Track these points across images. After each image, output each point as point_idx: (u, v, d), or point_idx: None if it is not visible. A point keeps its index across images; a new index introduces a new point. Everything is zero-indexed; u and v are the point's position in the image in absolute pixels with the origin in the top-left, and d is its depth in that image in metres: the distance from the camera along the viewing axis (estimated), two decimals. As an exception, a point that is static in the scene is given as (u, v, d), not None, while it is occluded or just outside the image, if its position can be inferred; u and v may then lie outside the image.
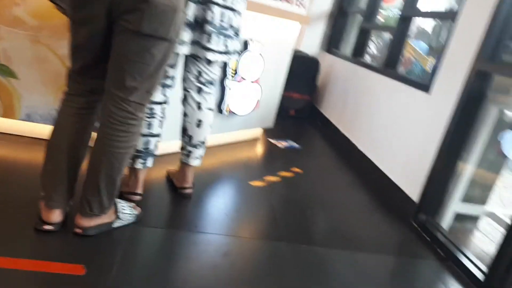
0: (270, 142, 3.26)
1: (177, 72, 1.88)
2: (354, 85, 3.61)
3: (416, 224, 2.31)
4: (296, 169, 2.78)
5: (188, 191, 2.05)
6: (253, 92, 2.82)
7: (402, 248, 2.18)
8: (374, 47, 5.06)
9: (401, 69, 3.54)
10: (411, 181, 2.46)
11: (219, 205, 2.10)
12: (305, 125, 4.15)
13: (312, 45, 4.53)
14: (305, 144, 3.53)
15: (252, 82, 2.77)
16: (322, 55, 4.52)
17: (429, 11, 2.98)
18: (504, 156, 2.42)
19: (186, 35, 1.71)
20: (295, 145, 3.33)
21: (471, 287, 1.81)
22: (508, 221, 1.74)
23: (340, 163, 3.27)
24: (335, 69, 4.18)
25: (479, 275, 1.82)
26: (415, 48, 3.27)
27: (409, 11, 2.90)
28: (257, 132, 3.23)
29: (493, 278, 1.74)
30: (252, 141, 3.17)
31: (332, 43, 4.45)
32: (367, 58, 3.97)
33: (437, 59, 2.43)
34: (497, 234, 2.34)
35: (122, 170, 1.50)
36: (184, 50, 1.75)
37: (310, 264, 1.73)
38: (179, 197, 2.04)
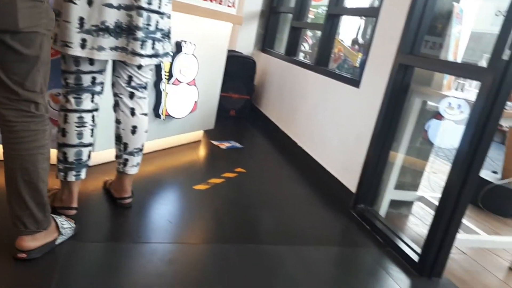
0: (212, 144, 3.24)
1: (106, 78, 1.81)
2: (290, 83, 3.69)
3: (356, 213, 2.40)
4: (240, 169, 2.78)
5: (128, 201, 1.98)
6: (190, 94, 2.79)
7: (344, 239, 2.26)
8: (308, 45, 5.21)
9: (333, 66, 3.68)
10: (348, 173, 2.56)
11: (162, 212, 2.04)
12: (247, 125, 4.18)
13: (247, 44, 4.57)
14: (247, 143, 3.55)
15: (188, 84, 2.73)
16: (258, 54, 4.57)
17: (354, 8, 3.11)
18: (430, 143, 2.60)
19: (108, 41, 1.64)
20: (238, 145, 3.34)
21: (408, 269, 1.92)
22: (437, 204, 1.86)
23: (282, 160, 3.32)
24: (271, 68, 4.25)
25: (415, 257, 1.93)
26: (344, 44, 3.41)
27: (336, 9, 3.01)
28: (198, 134, 3.20)
29: (427, 258, 1.86)
30: (194, 144, 3.13)
31: (266, 42, 4.51)
32: (302, 56, 4.08)
33: (364, 55, 2.55)
34: (429, 216, 2.51)
35: (43, 175, 1.41)
36: (105, 56, 1.66)
37: (257, 264, 1.74)
38: (119, 208, 1.96)
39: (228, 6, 2.84)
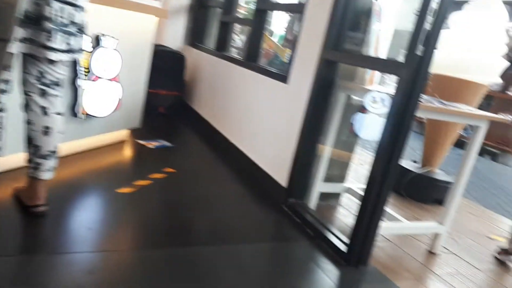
0: (139, 144, 3.09)
1: (14, 75, 1.63)
2: (221, 79, 3.64)
3: (287, 208, 2.42)
4: (169, 169, 2.67)
5: (42, 209, 1.80)
6: (112, 91, 2.62)
7: (276, 234, 2.27)
8: (240, 40, 5.18)
9: (264, 61, 3.68)
10: (279, 168, 2.57)
11: (81, 219, 1.89)
12: (177, 123, 4.05)
13: (175, 39, 4.43)
14: (178, 142, 3.43)
15: (110, 80, 2.56)
16: (187, 49, 4.45)
17: (281, 3, 3.13)
18: (356, 136, 2.69)
19: (17, 32, 1.49)
20: (167, 144, 3.21)
21: (337, 259, 1.96)
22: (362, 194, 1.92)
23: (215, 157, 3.27)
24: (201, 63, 4.16)
25: (343, 247, 1.98)
26: (273, 40, 3.42)
27: (264, 4, 3.01)
28: (123, 134, 3.02)
29: (354, 248, 1.91)
30: (118, 145, 2.96)
31: (195, 37, 4.41)
32: (234, 52, 4.03)
33: (292, 50, 2.57)
34: (356, 207, 2.60)
35: None
36: (16, 48, 1.52)
37: (187, 268, 1.67)
38: (32, 217, 1.78)
39: (152, -2, 2.71)
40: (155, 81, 3.91)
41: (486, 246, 2.50)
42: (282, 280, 1.76)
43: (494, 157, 5.89)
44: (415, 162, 3.30)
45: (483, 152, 5.99)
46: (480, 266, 2.20)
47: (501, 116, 2.28)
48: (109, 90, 2.58)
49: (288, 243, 2.11)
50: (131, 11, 2.53)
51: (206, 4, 4.29)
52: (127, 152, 2.92)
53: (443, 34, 3.07)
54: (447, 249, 2.33)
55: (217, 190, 2.61)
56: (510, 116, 5.90)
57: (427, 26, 1.53)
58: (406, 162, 3.26)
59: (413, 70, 1.59)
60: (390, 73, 1.84)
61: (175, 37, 4.42)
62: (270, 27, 4.00)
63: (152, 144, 3.12)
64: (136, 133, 3.20)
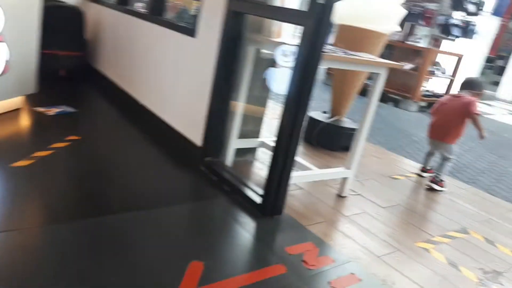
0: (37, 111, 2.80)
1: None
2: (125, 36, 3.39)
3: (204, 167, 2.40)
4: (73, 137, 2.48)
5: None
6: (-4, 53, 2.30)
7: (194, 194, 2.25)
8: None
9: (172, 15, 3.48)
10: (192, 127, 2.51)
11: (-31, 199, 1.69)
12: (81, 86, 3.74)
13: (70, -8, 3.98)
14: (82, 107, 3.18)
15: (-10, 41, 2.24)
16: (86, 4, 4.05)
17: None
18: (270, 90, 2.70)
19: None
20: (70, 109, 2.96)
21: (253, 212, 2.01)
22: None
23: (124, 120, 3.10)
24: (103, 19, 3.82)
25: (258, 200, 2.03)
26: (179, -8, 3.23)
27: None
28: (17, 101, 2.72)
29: (268, 199, 1.97)
30: (12, 114, 2.66)
31: (94, -10, 4.01)
32: (140, 6, 3.74)
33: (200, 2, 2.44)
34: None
35: None
36: None
37: (102, 238, 1.60)
38: None
39: None
40: (51, 40, 3.52)
41: (389, 186, 2.74)
42: (201, 239, 1.77)
43: (396, 103, 6.39)
44: (325, 112, 3.44)
45: (387, 99, 6.45)
46: (384, 204, 2.41)
47: (397, 63, 2.42)
48: (-10, 52, 2.27)
49: (206, 202, 2.11)
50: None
51: (102, -48, 3.88)
52: (23, 121, 2.64)
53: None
54: (354, 191, 2.51)
55: (129, 155, 2.49)
56: (409, 65, 6.35)
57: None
58: (316, 113, 3.38)
59: (316, 19, 1.59)
60: (295, 23, 1.83)
61: (69, -10, 3.98)
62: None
63: (52, 111, 2.86)
64: (32, 100, 2.90)
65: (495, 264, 1.95)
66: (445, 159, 2.85)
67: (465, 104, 2.73)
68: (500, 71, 11.24)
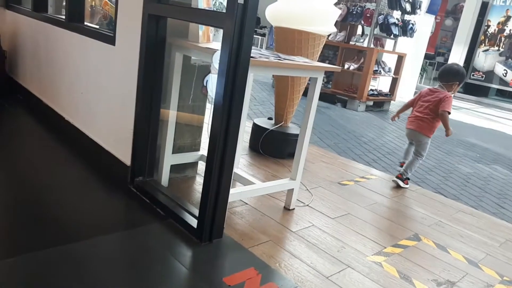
0: None
1: None
2: (44, 45, 3.05)
3: (134, 188, 2.15)
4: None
5: None
6: None
7: (122, 221, 1.99)
8: None
9: (99, 22, 3.18)
10: (120, 144, 2.25)
11: None
12: (2, 103, 3.34)
13: (-20, -1, 3.57)
14: (3, 126, 2.82)
15: None
16: (1, 12, 3.64)
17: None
18: (207, 98, 2.48)
19: None
20: (-19, 130, 2.60)
21: (189, 237, 1.79)
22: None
23: (48, 139, 2.77)
24: (21, 28, 3.44)
25: (194, 223, 1.81)
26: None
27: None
28: None
29: (204, 221, 1.75)
30: None
31: (9, -3, 3.61)
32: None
33: (115, 6, 2.19)
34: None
35: None
36: None
37: (22, 279, 1.34)
38: None
39: None
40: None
41: (337, 193, 2.61)
42: (129, 275, 1.53)
43: (344, 104, 6.39)
44: (270, 119, 3.28)
45: (335, 100, 6.44)
46: (333, 214, 2.27)
47: (333, 66, 2.31)
48: None
49: (137, 230, 1.86)
50: None
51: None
52: None
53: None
54: (302, 202, 2.35)
55: (54, 179, 2.20)
56: (353, 65, 6.37)
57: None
58: (261, 120, 3.21)
59: (236, 20, 1.40)
60: (215, 25, 1.64)
61: (-21, -4, 3.56)
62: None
63: (-43, 134, 2.48)
64: None
65: (448, 274, 1.85)
66: (417, 155, 2.91)
67: (440, 100, 2.78)
68: (440, 67, 11.73)
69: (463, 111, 8.49)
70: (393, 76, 6.69)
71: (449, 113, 2.74)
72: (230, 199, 1.82)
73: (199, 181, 2.49)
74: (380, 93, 6.69)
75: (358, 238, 2.05)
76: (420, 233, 2.22)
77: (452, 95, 2.84)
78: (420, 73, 10.04)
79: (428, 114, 2.82)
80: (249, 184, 2.15)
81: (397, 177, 2.91)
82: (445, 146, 4.81)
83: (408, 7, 6.11)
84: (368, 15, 6.01)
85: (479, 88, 10.68)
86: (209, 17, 1.62)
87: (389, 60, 6.83)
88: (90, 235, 1.73)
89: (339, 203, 2.45)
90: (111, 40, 2.19)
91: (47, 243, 1.61)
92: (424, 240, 2.14)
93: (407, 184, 2.91)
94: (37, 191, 2.03)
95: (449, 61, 10.79)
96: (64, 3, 3.74)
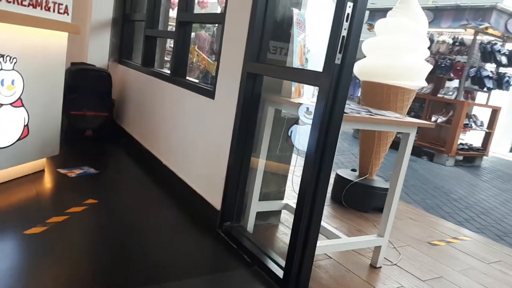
0: (59, 173, 2.78)
1: None
2: (149, 96, 3.41)
3: (223, 233, 2.24)
4: (91, 200, 2.41)
5: None
6: (15, 117, 2.32)
7: (211, 264, 2.07)
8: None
9: (195, 76, 3.51)
10: (212, 190, 2.39)
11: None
12: (106, 146, 3.75)
13: (100, 56, 4.13)
14: (104, 167, 3.15)
15: (12, 105, 2.27)
16: (114, 66, 4.18)
17: (202, 14, 2.97)
18: (294, 147, 2.57)
19: None
20: (92, 170, 2.93)
21: (273, 286, 1.81)
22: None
23: (146, 181, 3.02)
24: (129, 80, 3.91)
25: (279, 273, 1.83)
26: (202, 54, 3.27)
27: (184, 16, 2.84)
28: (39, 164, 2.71)
29: (290, 272, 1.76)
30: (33, 176, 2.63)
31: (122, 53, 4.15)
32: (166, 67, 3.82)
33: (217, 64, 2.42)
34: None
35: None
36: None
37: None
38: None
39: (59, 13, 2.45)
40: (79, 102, 3.63)
41: (428, 253, 2.46)
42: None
43: (430, 157, 6.09)
44: (354, 170, 3.25)
45: (420, 153, 6.18)
46: (424, 277, 2.14)
47: (426, 122, 2.27)
48: (10, 117, 2.28)
49: (223, 274, 1.93)
50: (32, 27, 2.27)
51: (132, 18, 4.05)
52: (43, 184, 2.60)
53: (371, 41, 3.10)
54: (389, 261, 2.26)
55: (147, 220, 2.38)
56: (441, 118, 6.14)
57: (344, 33, 1.43)
58: (344, 171, 3.20)
59: (332, 79, 1.48)
60: (311, 84, 1.74)
61: (99, 53, 4.13)
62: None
63: (73, 173, 2.83)
64: (56, 161, 2.90)
65: None
66: None
67: None
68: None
69: None
70: (486, 130, 6.28)
71: None
72: (316, 252, 1.82)
73: (281, 229, 2.52)
74: (471, 148, 6.28)
75: (452, 306, 1.90)
76: (525, 307, 2.00)
77: None
78: (517, 127, 9.27)
79: None
80: (334, 237, 2.14)
81: None
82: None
83: (504, 59, 5.81)
84: (458, 68, 5.82)
85: None
86: (305, 76, 1.73)
87: (482, 114, 6.45)
88: (180, 277, 1.82)
89: (430, 264, 2.31)
90: (210, 94, 2.40)
91: (140, 282, 1.71)
92: (530, 316, 1.92)
93: None
94: (132, 232, 2.19)
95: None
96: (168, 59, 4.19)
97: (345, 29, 1.42)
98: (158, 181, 2.99)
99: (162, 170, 3.03)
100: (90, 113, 3.75)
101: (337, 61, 1.46)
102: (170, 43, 4.61)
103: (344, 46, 1.44)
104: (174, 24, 2.98)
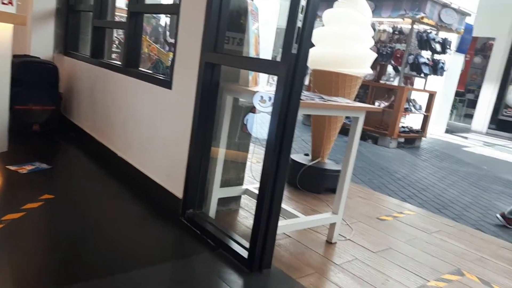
0: (9, 170, 2.67)
1: None
2: (100, 88, 3.35)
3: (186, 220, 2.30)
4: (46, 196, 2.35)
5: None
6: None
7: (176, 251, 2.12)
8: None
9: (147, 67, 3.48)
10: (173, 179, 2.43)
11: None
12: (56, 140, 3.63)
13: (44, 48, 3.95)
14: (57, 162, 3.07)
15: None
16: (60, 59, 4.02)
17: (154, 5, 2.96)
18: (250, 135, 2.66)
19: None
20: (44, 166, 2.84)
21: (239, 267, 1.90)
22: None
23: (102, 175, 2.98)
24: (78, 72, 3.79)
25: (244, 253, 1.93)
26: (154, 44, 3.25)
27: (136, 7, 2.81)
28: (-14, 161, 2.59)
29: (255, 252, 1.87)
30: (-20, 174, 2.53)
31: (68, 45, 4.00)
32: (116, 58, 3.74)
33: (173, 54, 2.44)
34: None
35: None
36: None
37: None
38: None
39: (3, 3, 2.35)
40: (24, 96, 3.47)
41: (377, 228, 2.67)
42: (183, 302, 1.64)
43: (375, 140, 6.46)
44: (306, 155, 3.41)
45: (365, 136, 6.53)
46: (374, 249, 2.34)
47: (374, 106, 2.44)
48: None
49: (189, 259, 1.99)
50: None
51: (77, 8, 3.91)
52: (-8, 182, 2.50)
53: (319, 31, 3.25)
54: (343, 236, 2.43)
55: (106, 212, 2.37)
56: (384, 102, 6.50)
57: (299, 24, 1.53)
58: (298, 156, 3.35)
59: (289, 68, 1.58)
60: (269, 73, 1.83)
61: (43, 45, 3.95)
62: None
63: (24, 169, 2.73)
64: (4, 158, 2.78)
65: (494, 308, 1.87)
66: None
67: None
68: (470, 104, 11.69)
69: (497, 148, 8.36)
70: (424, 113, 6.76)
71: None
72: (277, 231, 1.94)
73: (242, 214, 2.62)
74: (411, 130, 6.74)
75: (400, 272, 2.11)
76: (462, 268, 2.25)
77: None
78: (451, 110, 10.04)
79: None
80: (293, 217, 2.27)
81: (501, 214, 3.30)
82: (482, 183, 4.77)
83: (438, 47, 6.27)
84: (398, 55, 6.19)
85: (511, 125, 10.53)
86: (264, 66, 1.81)
87: (420, 98, 6.92)
88: (144, 265, 1.84)
89: (379, 237, 2.52)
90: (167, 85, 2.42)
91: (103, 272, 1.73)
92: (467, 275, 2.17)
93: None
94: (92, 225, 2.18)
95: (480, 98, 10.74)
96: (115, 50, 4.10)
97: (300, 20, 1.52)
98: (115, 174, 2.96)
99: (118, 163, 3.01)
100: (36, 107, 3.60)
101: (294, 51, 1.56)
102: (116, 33, 4.50)
103: (300, 36, 1.54)
104: (121, 14, 2.93)
